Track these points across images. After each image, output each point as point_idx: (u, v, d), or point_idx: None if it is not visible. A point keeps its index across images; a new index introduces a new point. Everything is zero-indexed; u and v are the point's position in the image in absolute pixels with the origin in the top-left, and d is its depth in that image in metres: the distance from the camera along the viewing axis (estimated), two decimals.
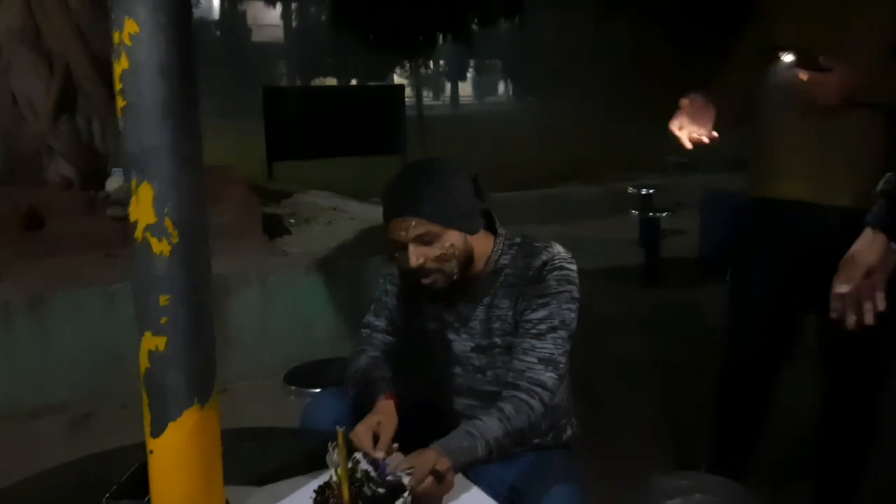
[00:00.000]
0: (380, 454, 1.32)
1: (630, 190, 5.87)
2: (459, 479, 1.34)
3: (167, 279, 1.11)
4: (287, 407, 2.18)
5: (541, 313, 1.53)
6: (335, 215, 4.70)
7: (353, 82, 27.22)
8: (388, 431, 1.37)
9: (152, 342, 1.13)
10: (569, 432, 1.68)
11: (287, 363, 3.01)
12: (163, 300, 1.12)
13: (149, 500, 1.22)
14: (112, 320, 3.03)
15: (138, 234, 1.11)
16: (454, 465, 1.33)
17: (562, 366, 1.52)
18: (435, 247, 1.50)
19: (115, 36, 1.07)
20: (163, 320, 1.12)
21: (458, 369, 1.65)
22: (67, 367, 3.02)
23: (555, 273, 1.54)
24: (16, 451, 2.66)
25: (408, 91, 13.06)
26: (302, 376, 2.09)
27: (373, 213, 4.78)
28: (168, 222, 1.10)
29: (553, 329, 1.52)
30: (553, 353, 1.51)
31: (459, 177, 1.55)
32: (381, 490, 1.17)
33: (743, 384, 2.15)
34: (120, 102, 1.10)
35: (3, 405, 2.90)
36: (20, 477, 1.48)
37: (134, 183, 1.11)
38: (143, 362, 1.15)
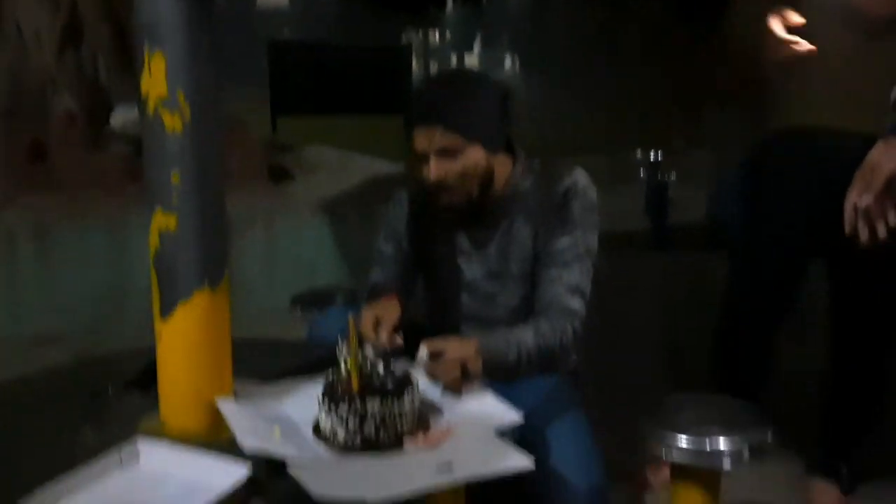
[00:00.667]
0: (382, 337, 1.32)
1: (639, 155, 5.83)
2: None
3: (179, 157, 1.10)
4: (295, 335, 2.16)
5: (566, 241, 1.49)
6: (340, 167, 4.68)
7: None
8: (390, 319, 1.36)
9: (163, 221, 1.12)
10: (576, 359, 1.66)
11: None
12: (174, 178, 1.10)
13: (156, 391, 1.21)
14: (114, 252, 3.02)
15: (150, 107, 1.10)
16: (484, 364, 1.31)
17: (588, 293, 1.49)
18: (457, 161, 1.46)
19: None
20: (174, 198, 1.11)
21: (466, 297, 1.63)
22: (69, 297, 3.01)
23: (578, 200, 1.50)
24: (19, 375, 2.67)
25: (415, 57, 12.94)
26: (308, 300, 2.08)
27: (378, 168, 4.76)
28: (180, 95, 1.08)
29: (578, 257, 1.49)
30: (580, 282, 1.48)
31: (491, 92, 1.50)
32: (389, 382, 1.15)
33: (746, 330, 2.07)
34: None
35: (7, 330, 2.90)
36: (28, 402, 1.49)
37: (146, 54, 1.09)
38: (154, 242, 1.14)
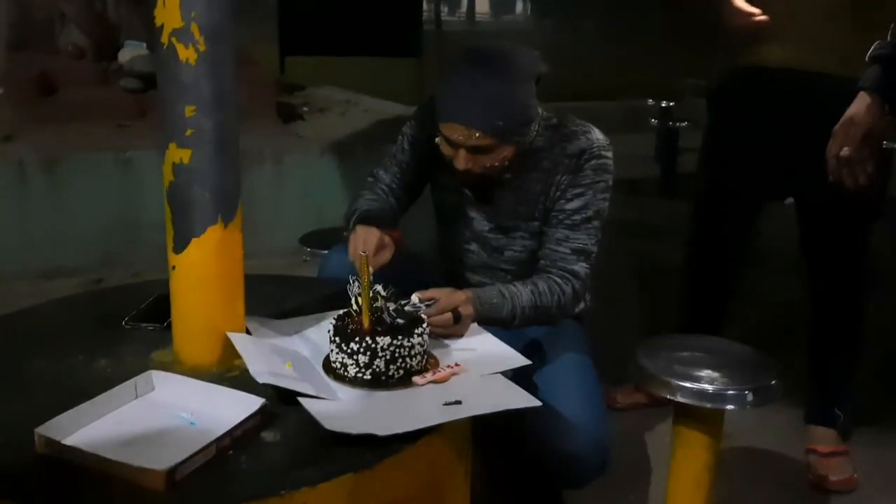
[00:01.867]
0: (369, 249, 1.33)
1: (649, 102, 5.76)
2: (473, 326, 1.34)
3: (193, 89, 1.09)
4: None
5: (576, 203, 1.49)
6: (349, 107, 4.63)
7: None
8: (387, 253, 1.37)
9: (177, 154, 1.12)
10: (582, 306, 1.67)
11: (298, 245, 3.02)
12: (188, 111, 1.09)
13: (169, 323, 1.23)
14: (124, 187, 3.02)
15: (164, 38, 1.08)
16: (477, 315, 1.34)
17: (594, 255, 1.50)
18: (489, 157, 1.44)
19: None
20: (188, 132, 1.10)
21: (474, 246, 1.63)
22: (79, 231, 3.02)
23: (592, 162, 1.49)
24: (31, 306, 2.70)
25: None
26: (317, 239, 2.09)
27: (388, 109, 4.70)
28: (195, 27, 1.07)
29: (587, 220, 1.49)
30: (586, 244, 1.49)
31: (530, 80, 1.46)
32: (399, 320, 1.17)
33: (712, 261, 2.14)
34: None
35: (17, 263, 2.92)
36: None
37: None
38: (167, 175, 1.14)
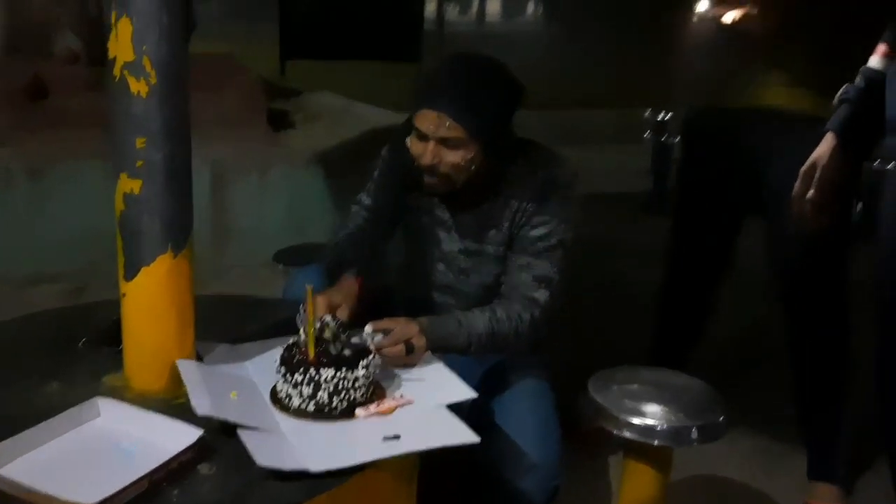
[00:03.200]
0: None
1: (647, 114, 5.76)
2: (427, 354, 1.35)
3: (144, 120, 1.10)
4: (278, 289, 2.20)
5: (540, 231, 1.50)
6: (343, 115, 4.64)
7: None
8: (342, 313, 1.35)
9: (128, 185, 1.13)
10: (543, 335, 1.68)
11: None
12: (139, 142, 1.11)
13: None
14: (112, 195, 3.04)
15: (116, 71, 1.10)
16: (430, 345, 1.35)
17: (556, 283, 1.50)
18: (456, 153, 1.45)
19: None
20: (139, 163, 1.12)
21: (442, 266, 1.64)
22: (65, 238, 3.04)
23: (559, 192, 1.51)
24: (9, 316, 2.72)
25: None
26: (291, 256, 2.10)
27: (381, 118, 4.72)
28: (146, 61, 1.09)
29: (551, 248, 1.50)
30: (549, 272, 1.49)
31: (509, 91, 1.48)
32: (346, 351, 1.18)
33: (687, 284, 2.19)
34: None
35: (2, 269, 2.94)
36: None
37: (113, 16, 1.09)
38: (119, 205, 1.16)
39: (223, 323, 1.43)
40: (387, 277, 1.72)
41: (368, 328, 1.29)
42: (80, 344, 1.34)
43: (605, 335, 2.76)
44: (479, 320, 1.44)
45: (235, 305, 1.62)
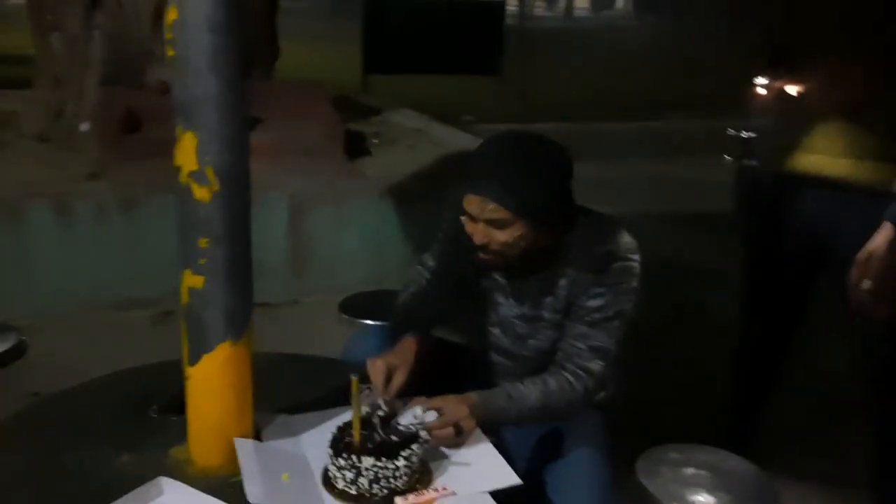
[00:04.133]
0: (388, 393, 1.39)
1: (729, 132, 5.62)
2: (477, 432, 1.39)
3: (206, 223, 1.19)
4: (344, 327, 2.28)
5: (597, 302, 1.52)
6: (419, 138, 4.73)
7: None
8: (400, 376, 1.42)
9: (192, 280, 1.22)
10: (602, 395, 1.69)
11: (357, 284, 3.13)
12: (202, 242, 1.19)
13: None
14: None
15: (182, 178, 1.18)
16: (480, 422, 1.39)
17: (612, 355, 1.52)
18: (504, 232, 1.48)
19: None
20: (202, 261, 1.20)
21: (498, 331, 1.68)
22: (155, 266, 3.21)
23: (617, 264, 1.52)
24: (103, 338, 2.92)
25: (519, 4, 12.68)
26: (357, 306, 2.18)
27: (457, 139, 4.79)
28: (209, 170, 1.16)
29: (608, 319, 1.51)
30: (605, 343, 1.51)
31: (556, 163, 1.51)
32: (393, 437, 1.24)
33: (762, 353, 2.17)
34: (169, 53, 1.15)
35: (94, 295, 3.15)
36: (106, 364, 1.65)
37: (179, 130, 1.17)
38: (184, 297, 1.24)
39: (285, 386, 1.52)
40: (447, 340, 1.78)
41: (418, 409, 1.33)
42: (150, 411, 1.44)
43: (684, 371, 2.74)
44: (530, 393, 1.47)
45: (298, 366, 1.70)
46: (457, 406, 1.37)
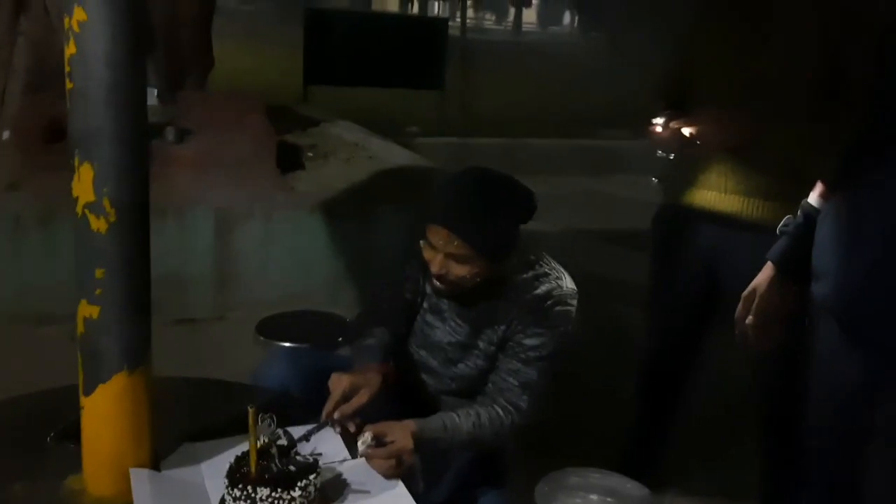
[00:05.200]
0: (343, 412, 1.43)
1: (659, 153, 5.78)
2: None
3: (103, 254, 1.19)
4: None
5: (534, 341, 1.58)
6: (355, 152, 4.72)
7: (414, 2, 26.75)
8: (362, 398, 1.45)
9: (87, 310, 1.22)
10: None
11: (284, 300, 3.12)
12: (98, 273, 1.19)
13: None
14: None
15: (78, 209, 1.19)
16: (417, 448, 1.43)
17: (539, 392, 1.59)
18: (463, 267, 1.54)
19: (66, 21, 1.11)
20: (97, 291, 1.20)
21: (425, 353, 1.72)
22: (74, 280, 3.15)
23: (557, 308, 1.59)
24: (24, 352, 2.85)
25: (461, 19, 12.77)
26: (273, 327, 2.18)
27: (394, 154, 4.81)
28: (106, 202, 1.17)
29: (541, 358, 1.58)
30: (535, 380, 1.58)
31: (522, 207, 1.57)
32: (291, 467, 1.25)
33: (662, 377, 2.27)
34: (68, 85, 1.15)
35: (10, 309, 3.07)
36: (22, 381, 1.61)
37: (77, 161, 1.17)
38: (79, 327, 1.24)
39: (193, 412, 1.52)
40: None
41: (368, 435, 1.38)
42: (48, 438, 1.42)
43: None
44: (463, 425, 1.53)
45: (207, 390, 1.70)
46: (403, 436, 1.41)
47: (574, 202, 6.48)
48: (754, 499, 2.11)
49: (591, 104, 10.50)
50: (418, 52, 7.68)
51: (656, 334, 2.25)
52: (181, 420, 1.46)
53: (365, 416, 1.46)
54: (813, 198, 1.43)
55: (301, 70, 7.37)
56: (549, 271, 1.62)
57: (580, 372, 2.90)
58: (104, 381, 1.24)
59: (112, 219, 1.17)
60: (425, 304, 1.71)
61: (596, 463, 1.69)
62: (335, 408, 1.45)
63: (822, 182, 1.41)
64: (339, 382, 1.47)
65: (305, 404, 1.58)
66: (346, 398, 1.46)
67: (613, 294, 4.01)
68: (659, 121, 1.93)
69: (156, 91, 3.87)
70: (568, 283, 1.62)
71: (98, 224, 1.17)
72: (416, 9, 27.08)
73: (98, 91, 1.12)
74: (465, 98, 9.04)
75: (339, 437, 1.45)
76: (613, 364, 3.20)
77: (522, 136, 8.14)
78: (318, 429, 1.45)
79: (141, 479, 1.26)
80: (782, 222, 1.48)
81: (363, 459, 1.39)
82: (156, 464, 1.33)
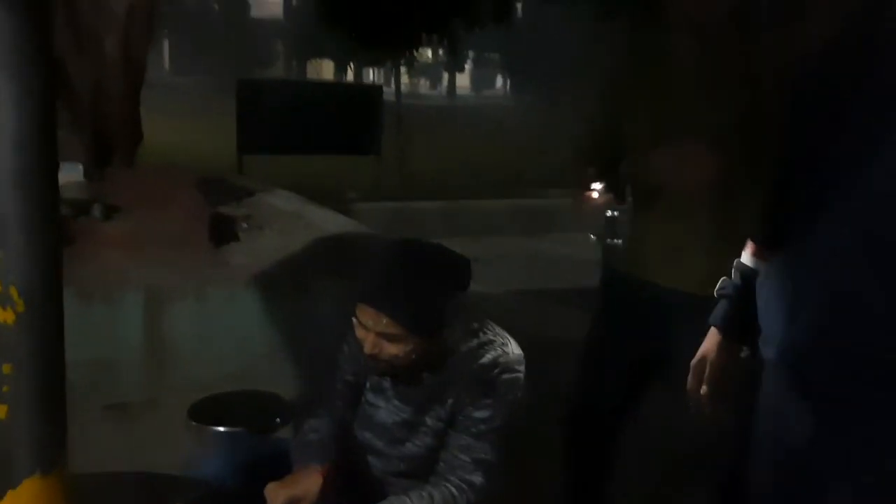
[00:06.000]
0: None
1: (609, 213, 5.87)
2: None
3: (10, 349, 1.10)
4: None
5: (484, 413, 1.53)
6: (292, 221, 4.66)
7: (349, 70, 27.22)
8: None
9: None
10: None
11: (220, 379, 2.99)
12: (6, 369, 1.10)
13: None
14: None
15: None
16: None
17: (493, 466, 1.54)
18: (396, 346, 1.48)
19: None
20: (5, 388, 1.11)
21: (370, 434, 1.65)
22: None
23: (505, 376, 1.54)
24: None
25: (396, 85, 12.97)
26: (207, 411, 2.07)
27: (332, 222, 4.76)
28: (13, 291, 1.08)
29: (492, 430, 1.53)
30: (488, 455, 1.53)
31: (455, 279, 1.52)
32: None
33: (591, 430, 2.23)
34: None
35: None
36: None
37: None
38: None
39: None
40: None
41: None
42: None
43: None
44: None
45: (133, 484, 1.58)
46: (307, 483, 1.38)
47: (513, 262, 6.53)
48: None
49: (523, 164, 10.72)
50: (354, 118, 7.74)
51: (589, 388, 2.19)
52: None
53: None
54: (746, 257, 1.43)
55: (235, 140, 7.33)
56: (493, 338, 1.59)
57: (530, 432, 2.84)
58: (13, 487, 1.13)
59: (20, 308, 1.09)
60: (367, 384, 1.65)
61: None
62: None
63: (753, 242, 1.42)
64: (275, 497, 1.40)
65: (242, 498, 1.49)
66: None
67: (560, 355, 3.99)
68: (597, 186, 1.93)
69: (81, 167, 3.76)
70: (514, 348, 1.59)
71: (4, 316, 1.08)
72: (351, 76, 27.55)
73: (4, 175, 1.05)
74: (402, 162, 9.12)
75: None
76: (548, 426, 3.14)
77: (459, 199, 8.23)
78: None
79: None
80: (719, 284, 1.48)
81: None
82: None
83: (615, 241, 5.51)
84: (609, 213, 5.85)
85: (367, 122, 7.82)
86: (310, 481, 1.44)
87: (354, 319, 1.51)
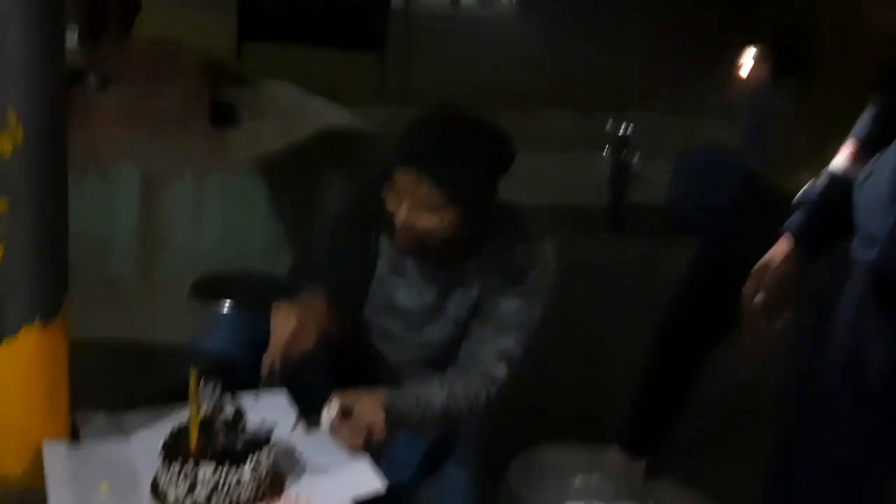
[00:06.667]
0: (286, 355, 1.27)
1: (608, 127, 5.69)
2: None
3: (7, 182, 0.97)
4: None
5: (513, 305, 1.44)
6: (295, 113, 4.47)
7: None
8: (308, 339, 1.29)
9: None
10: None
11: (216, 264, 2.89)
12: (1, 205, 0.98)
13: None
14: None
15: None
16: (388, 423, 1.27)
17: (517, 361, 1.45)
18: (431, 217, 1.35)
19: None
20: (1, 228, 0.98)
21: (388, 317, 1.54)
22: None
23: (539, 269, 1.45)
24: None
25: None
26: (211, 289, 1.95)
27: (336, 115, 4.58)
28: (12, 115, 0.95)
29: (519, 325, 1.44)
30: (512, 349, 1.44)
31: (500, 155, 1.40)
32: (235, 444, 1.07)
33: (680, 356, 2.01)
34: None
35: None
36: None
37: None
38: None
39: (119, 378, 1.31)
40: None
41: (334, 409, 1.22)
42: None
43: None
44: (435, 399, 1.38)
45: (136, 354, 1.49)
46: (373, 408, 1.26)
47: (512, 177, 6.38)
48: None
49: (527, 80, 10.41)
50: (360, 10, 7.40)
51: (687, 310, 1.99)
52: (106, 386, 1.25)
53: (323, 387, 1.30)
54: (840, 161, 1.31)
55: (235, 26, 7.01)
56: (528, 232, 1.47)
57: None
58: (11, 335, 1.02)
59: (19, 138, 0.95)
60: (382, 267, 1.53)
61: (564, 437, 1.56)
62: (285, 349, 1.28)
63: (854, 142, 1.29)
64: (285, 319, 1.30)
65: (250, 369, 1.39)
66: (294, 338, 1.29)
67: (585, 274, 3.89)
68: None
69: (75, 32, 3.53)
70: (548, 243, 1.48)
71: (1, 145, 0.95)
72: None
73: None
74: (406, 65, 8.82)
75: (291, 403, 1.31)
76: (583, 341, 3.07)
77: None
78: (266, 384, 1.29)
79: (57, 454, 1.06)
80: (802, 191, 1.35)
81: (321, 430, 1.23)
82: (75, 437, 1.13)
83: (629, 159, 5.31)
84: (622, 131, 5.59)
85: (374, 16, 7.47)
86: (316, 309, 1.34)
87: (389, 193, 1.38)
